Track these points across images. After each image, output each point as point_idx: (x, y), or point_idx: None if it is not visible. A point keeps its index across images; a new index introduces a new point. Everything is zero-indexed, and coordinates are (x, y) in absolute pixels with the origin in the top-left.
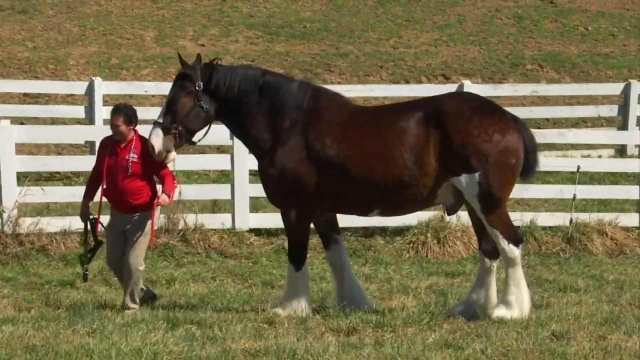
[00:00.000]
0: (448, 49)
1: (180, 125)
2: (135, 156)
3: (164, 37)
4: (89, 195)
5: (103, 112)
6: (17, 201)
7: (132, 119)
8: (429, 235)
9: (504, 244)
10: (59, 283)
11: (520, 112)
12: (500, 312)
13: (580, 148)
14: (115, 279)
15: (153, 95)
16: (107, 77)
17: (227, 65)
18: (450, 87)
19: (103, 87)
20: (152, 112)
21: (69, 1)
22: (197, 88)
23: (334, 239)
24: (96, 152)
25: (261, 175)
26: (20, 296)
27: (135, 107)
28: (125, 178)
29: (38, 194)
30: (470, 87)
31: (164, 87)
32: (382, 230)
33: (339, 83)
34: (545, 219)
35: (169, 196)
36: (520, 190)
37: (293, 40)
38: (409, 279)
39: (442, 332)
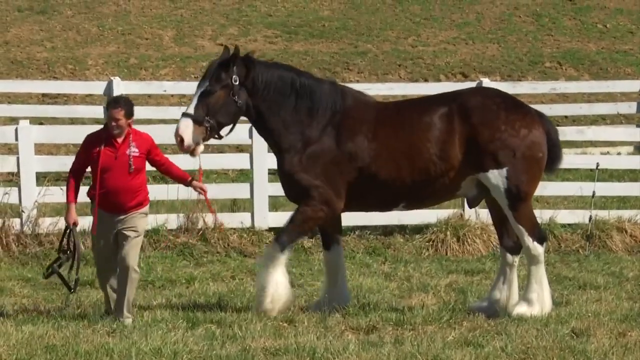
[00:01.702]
0: (467, 47)
1: (212, 119)
2: (137, 150)
3: (182, 37)
4: (74, 197)
5: None
6: (36, 201)
7: (132, 112)
8: (448, 233)
9: (528, 241)
10: (79, 283)
11: (540, 110)
12: (521, 309)
13: (599, 145)
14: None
15: (172, 95)
16: (126, 76)
17: (263, 61)
18: (469, 85)
19: (122, 87)
20: (171, 112)
21: (88, 1)
22: (233, 82)
23: (336, 240)
24: (81, 147)
25: (288, 174)
26: (40, 296)
27: (154, 107)
28: (126, 175)
29: (57, 194)
30: (488, 85)
31: (183, 87)
32: (402, 229)
33: (357, 81)
34: (565, 216)
35: (194, 178)
36: (539, 188)
37: (312, 39)
38: (429, 277)
39: (462, 329)
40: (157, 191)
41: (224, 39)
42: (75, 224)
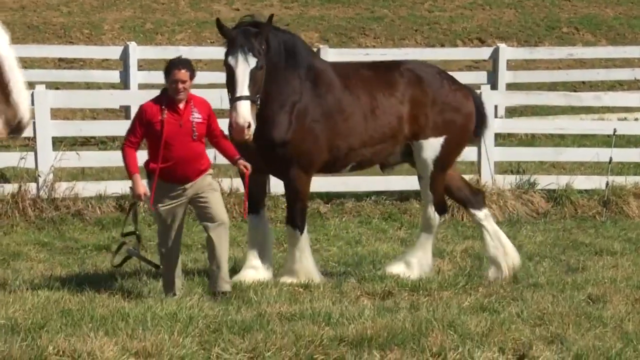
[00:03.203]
0: (483, 12)
1: (258, 94)
2: (200, 116)
3: (198, 2)
4: (137, 168)
5: (138, 77)
6: (52, 166)
7: (194, 74)
8: None
9: (431, 210)
10: (94, 247)
11: (557, 76)
12: (397, 268)
13: (616, 111)
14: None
15: None
16: (142, 42)
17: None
18: (486, 51)
19: (138, 52)
20: None
21: None
22: (263, 51)
23: (264, 203)
24: (137, 119)
25: (280, 142)
26: (56, 260)
27: None
28: (191, 142)
29: (73, 159)
30: (505, 50)
31: (199, 52)
32: (418, 194)
33: (373, 47)
34: (582, 182)
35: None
36: (556, 154)
37: (328, 4)
38: (445, 242)
39: (477, 295)
40: None
41: (239, 4)
42: (145, 195)
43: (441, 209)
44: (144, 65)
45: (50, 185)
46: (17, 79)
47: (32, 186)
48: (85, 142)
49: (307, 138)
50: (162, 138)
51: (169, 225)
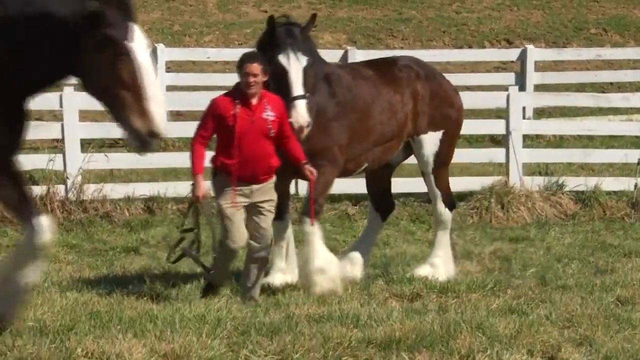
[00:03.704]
0: (511, 14)
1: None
2: (273, 114)
3: (226, 4)
4: (202, 168)
5: (166, 79)
6: (81, 168)
7: (267, 69)
8: (492, 200)
9: (440, 206)
10: (122, 249)
11: (585, 77)
12: (424, 271)
13: None
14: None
15: (215, 62)
16: (170, 43)
17: None
18: (514, 52)
19: (166, 54)
20: (214, 78)
21: None
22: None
23: (288, 209)
24: (209, 113)
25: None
26: (85, 262)
27: (198, 74)
28: (263, 140)
29: (101, 161)
30: (533, 51)
31: (226, 54)
32: None
33: (401, 48)
34: (610, 183)
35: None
36: (584, 155)
37: (356, 6)
38: (473, 244)
39: (506, 297)
40: None
41: (267, 6)
42: (204, 197)
43: (451, 205)
44: (172, 67)
45: (78, 187)
46: (153, 87)
47: (61, 188)
48: (113, 144)
49: (325, 137)
50: (234, 133)
51: (234, 223)
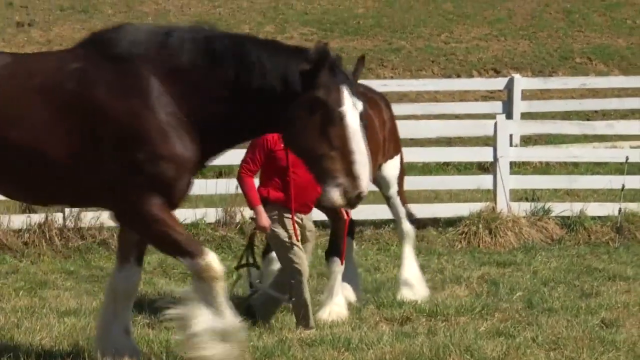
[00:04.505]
0: (498, 44)
1: None
2: None
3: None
4: (258, 199)
5: None
6: None
7: None
8: (480, 226)
9: (406, 223)
10: None
11: (570, 105)
12: (406, 293)
13: (628, 139)
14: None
15: None
16: None
17: None
18: (501, 81)
19: None
20: None
21: (128, 0)
22: None
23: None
24: (259, 148)
25: None
26: (83, 288)
27: None
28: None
29: None
30: (520, 80)
31: None
32: (435, 222)
33: (391, 77)
34: (595, 209)
35: None
36: (569, 181)
37: (347, 36)
38: (461, 269)
39: (493, 320)
40: (196, 186)
41: (261, 37)
42: (270, 227)
43: (412, 220)
44: None
45: (76, 215)
46: (361, 151)
47: (59, 216)
48: None
49: None
50: (287, 166)
51: (298, 251)
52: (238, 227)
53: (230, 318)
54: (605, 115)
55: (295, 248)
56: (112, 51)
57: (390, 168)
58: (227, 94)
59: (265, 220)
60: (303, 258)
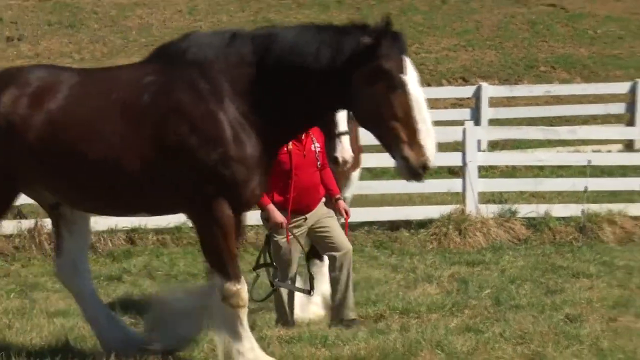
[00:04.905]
0: (467, 54)
1: None
2: (319, 145)
3: None
4: (267, 199)
5: None
6: None
7: None
8: (450, 227)
9: None
10: (106, 278)
11: (535, 111)
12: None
13: (590, 144)
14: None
15: None
16: None
17: None
18: (469, 89)
19: None
20: None
21: (113, 15)
22: None
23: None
24: None
25: None
26: None
27: None
28: (314, 172)
29: None
30: (487, 88)
31: None
32: (407, 224)
33: None
34: (559, 210)
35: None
36: (535, 184)
37: None
38: (433, 268)
39: (463, 317)
40: None
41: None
42: (285, 222)
43: None
44: None
45: None
46: (426, 119)
47: (48, 221)
48: None
49: None
50: (291, 169)
51: (289, 257)
52: None
53: (249, 342)
54: (568, 121)
55: (284, 253)
56: (182, 59)
57: (355, 177)
58: (295, 86)
59: (279, 216)
60: (288, 263)
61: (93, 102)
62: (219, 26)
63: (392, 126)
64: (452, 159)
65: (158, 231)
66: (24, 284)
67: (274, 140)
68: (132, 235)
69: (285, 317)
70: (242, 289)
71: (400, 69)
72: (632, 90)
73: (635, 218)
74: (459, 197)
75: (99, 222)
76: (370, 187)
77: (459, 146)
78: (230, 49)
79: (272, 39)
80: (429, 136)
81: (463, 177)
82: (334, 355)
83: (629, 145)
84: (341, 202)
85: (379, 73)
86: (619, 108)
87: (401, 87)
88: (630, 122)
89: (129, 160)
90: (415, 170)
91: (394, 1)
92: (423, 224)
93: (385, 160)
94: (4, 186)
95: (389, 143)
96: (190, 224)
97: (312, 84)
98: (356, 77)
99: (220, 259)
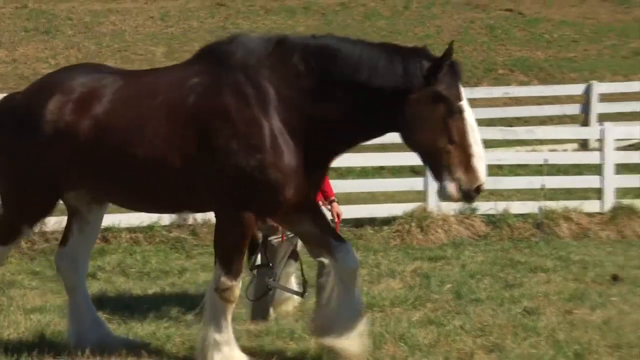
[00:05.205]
0: None
1: None
2: None
3: (172, 52)
4: None
5: None
6: None
7: None
8: (413, 224)
9: None
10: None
11: (494, 112)
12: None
13: (547, 143)
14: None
15: None
16: None
17: None
18: None
19: None
20: None
21: (87, 22)
22: None
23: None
24: None
25: None
26: (47, 287)
27: None
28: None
29: None
30: None
31: None
32: (371, 221)
33: None
34: (517, 207)
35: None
36: (494, 182)
37: None
38: (396, 264)
39: (425, 310)
40: None
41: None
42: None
43: None
44: None
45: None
46: (479, 145)
47: None
48: None
49: None
50: None
51: (279, 254)
52: (191, 228)
53: (227, 335)
54: (526, 121)
55: (276, 251)
56: (228, 63)
57: None
58: (344, 98)
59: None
60: (278, 261)
61: (139, 104)
62: (190, 32)
63: (447, 149)
64: (415, 159)
65: (131, 230)
66: (1, 282)
67: (317, 150)
68: (105, 234)
69: (263, 312)
70: (236, 286)
71: (458, 95)
72: (587, 92)
73: (590, 214)
74: (421, 196)
75: None
76: (335, 186)
77: None
78: (278, 56)
79: (330, 51)
80: (482, 160)
81: (425, 176)
82: (301, 349)
83: (583, 145)
84: (335, 205)
85: (438, 98)
86: (574, 109)
87: (459, 112)
88: (585, 123)
89: (173, 160)
90: (469, 192)
91: (358, 7)
92: (387, 222)
93: (350, 160)
94: (48, 196)
95: (440, 165)
96: (162, 222)
97: (368, 101)
98: (413, 99)
99: (229, 254)
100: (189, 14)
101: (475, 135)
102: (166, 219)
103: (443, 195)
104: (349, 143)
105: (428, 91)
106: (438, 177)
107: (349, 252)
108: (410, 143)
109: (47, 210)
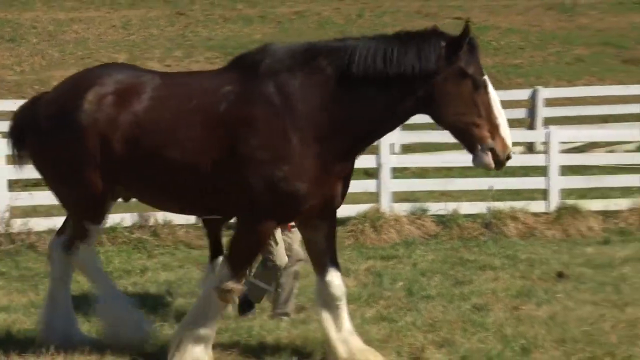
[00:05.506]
0: None
1: None
2: None
3: (134, 59)
4: None
5: None
6: (8, 204)
7: None
8: (366, 224)
9: None
10: (46, 275)
11: None
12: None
13: None
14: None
15: None
16: None
17: None
18: None
19: None
20: None
21: (51, 30)
22: None
23: None
24: None
25: None
26: (13, 287)
27: None
28: None
29: (27, 198)
30: None
31: None
32: (341, 222)
33: None
34: (466, 207)
35: None
36: (444, 184)
37: None
38: (350, 262)
39: (378, 307)
40: None
41: (170, 61)
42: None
43: None
44: None
45: (6, 222)
46: (503, 115)
47: None
48: (37, 183)
49: None
50: None
51: (280, 244)
52: (152, 229)
53: (212, 333)
54: None
55: (277, 241)
56: (259, 71)
57: None
58: (378, 95)
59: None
60: (281, 250)
61: (174, 106)
62: (150, 39)
63: (477, 123)
64: (368, 162)
65: None
66: None
67: (346, 152)
68: None
69: (257, 296)
70: (237, 290)
71: (480, 70)
72: (532, 97)
73: (536, 214)
74: (374, 197)
75: (40, 223)
76: None
77: (373, 149)
78: (307, 63)
79: (352, 51)
80: (507, 129)
81: (378, 178)
82: (259, 344)
83: (530, 147)
84: None
85: (464, 75)
86: (520, 113)
87: (483, 87)
88: (531, 126)
89: (203, 165)
90: (502, 159)
91: (313, 16)
92: (341, 222)
93: None
94: (101, 186)
95: (472, 139)
96: (124, 224)
97: (397, 91)
98: (438, 80)
99: (240, 259)
100: (150, 23)
101: (499, 106)
102: (128, 220)
103: (480, 165)
104: (377, 138)
105: (453, 70)
106: (471, 149)
107: (338, 279)
108: (442, 121)
109: (103, 200)
